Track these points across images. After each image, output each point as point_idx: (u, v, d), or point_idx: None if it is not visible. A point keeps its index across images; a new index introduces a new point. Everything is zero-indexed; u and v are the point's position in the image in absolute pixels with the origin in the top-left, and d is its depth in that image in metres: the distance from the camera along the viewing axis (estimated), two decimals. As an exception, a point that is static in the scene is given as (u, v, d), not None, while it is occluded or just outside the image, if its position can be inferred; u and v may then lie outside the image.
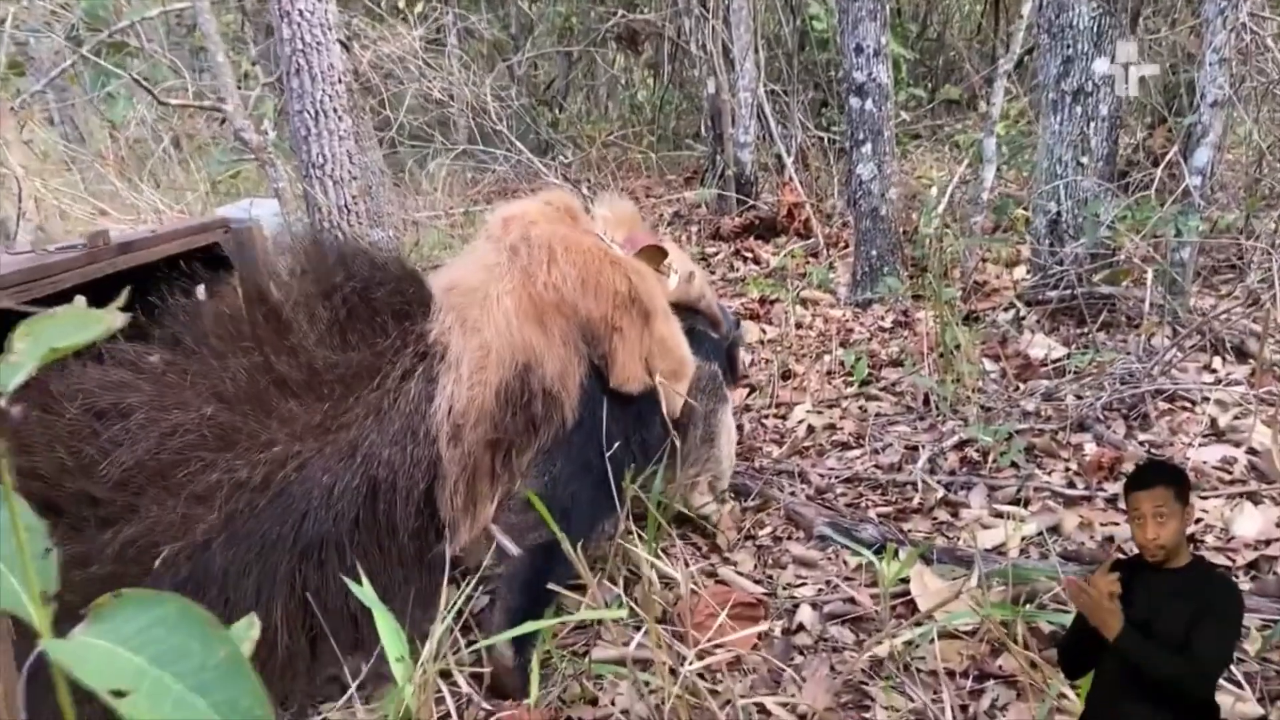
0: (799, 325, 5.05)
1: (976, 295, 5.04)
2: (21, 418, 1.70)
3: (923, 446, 3.49)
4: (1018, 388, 4.01)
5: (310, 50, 3.68)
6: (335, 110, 3.82)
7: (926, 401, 3.82)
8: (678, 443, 2.65)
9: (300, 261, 2.22)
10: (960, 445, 3.49)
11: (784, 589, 2.66)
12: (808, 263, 6.39)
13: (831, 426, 3.84)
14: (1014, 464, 3.23)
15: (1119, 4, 4.74)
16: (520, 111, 11.91)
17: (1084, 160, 4.82)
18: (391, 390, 2.15)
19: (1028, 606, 2.35)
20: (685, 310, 2.96)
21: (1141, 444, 3.40)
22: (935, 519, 3.04)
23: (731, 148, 8.48)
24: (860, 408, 4.02)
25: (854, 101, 5.47)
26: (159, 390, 2.00)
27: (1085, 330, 4.59)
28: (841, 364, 4.44)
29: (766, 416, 4.02)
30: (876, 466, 3.46)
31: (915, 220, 6.72)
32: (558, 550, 2.14)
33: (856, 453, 3.60)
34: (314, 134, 3.82)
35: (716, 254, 7.76)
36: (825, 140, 9.41)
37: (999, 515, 3.01)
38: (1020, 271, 5.62)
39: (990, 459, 3.31)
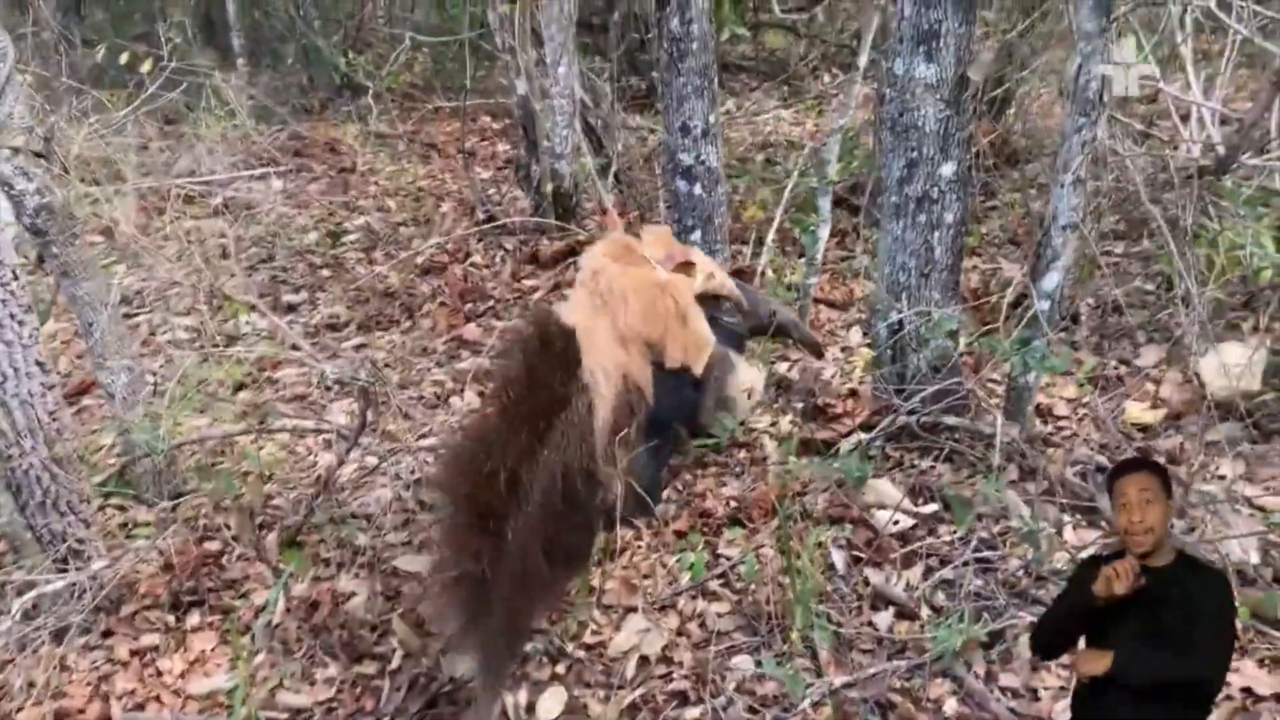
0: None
1: (820, 419, 4.62)
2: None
3: (768, 714, 3.06)
4: (867, 581, 3.64)
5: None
6: (13, 315, 2.87)
7: (770, 622, 3.37)
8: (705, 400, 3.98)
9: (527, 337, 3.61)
10: (818, 702, 3.08)
11: None
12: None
13: (667, 659, 3.35)
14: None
15: (965, 105, 4.28)
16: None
17: (926, 271, 4.42)
18: (574, 411, 3.37)
19: None
20: (710, 300, 4.00)
21: (1005, 692, 3.10)
22: None
23: (547, 159, 7.64)
24: (698, 614, 3.55)
25: (681, 185, 4.84)
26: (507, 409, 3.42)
27: (931, 467, 4.28)
28: (675, 530, 3.95)
29: (589, 630, 3.48)
30: (719, 743, 3.02)
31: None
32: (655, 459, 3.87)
33: (695, 713, 3.13)
34: (-21, 352, 2.87)
35: (535, 289, 6.99)
36: (647, 138, 8.73)
37: None
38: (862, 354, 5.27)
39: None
